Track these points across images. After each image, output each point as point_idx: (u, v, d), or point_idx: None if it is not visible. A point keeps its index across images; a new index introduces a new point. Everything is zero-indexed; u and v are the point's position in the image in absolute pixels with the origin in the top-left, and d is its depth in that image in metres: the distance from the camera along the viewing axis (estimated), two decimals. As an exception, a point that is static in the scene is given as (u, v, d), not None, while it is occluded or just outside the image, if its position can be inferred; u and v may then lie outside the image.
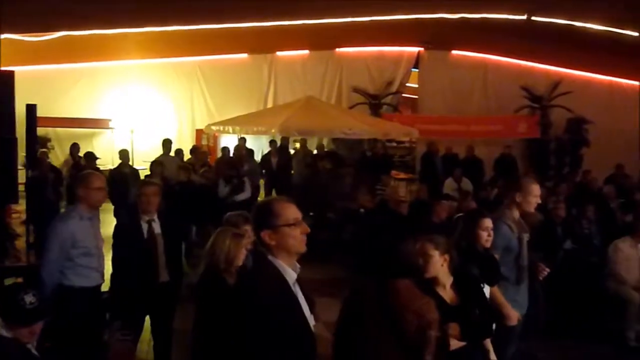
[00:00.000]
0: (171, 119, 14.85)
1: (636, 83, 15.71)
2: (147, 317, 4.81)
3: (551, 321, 5.42)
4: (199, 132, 14.09)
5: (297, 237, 2.49)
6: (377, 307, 2.84)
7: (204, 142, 14.00)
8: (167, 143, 11.11)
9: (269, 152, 12.64)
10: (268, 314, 2.35)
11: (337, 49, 14.99)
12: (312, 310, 2.69)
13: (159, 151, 11.27)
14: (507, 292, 4.16)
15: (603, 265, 6.75)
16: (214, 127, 12.02)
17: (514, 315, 4.10)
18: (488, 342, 3.70)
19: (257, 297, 2.40)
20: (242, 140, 12.39)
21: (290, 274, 2.51)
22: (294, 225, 2.49)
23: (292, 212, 2.51)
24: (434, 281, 3.42)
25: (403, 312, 2.84)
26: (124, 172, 9.56)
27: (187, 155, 11.68)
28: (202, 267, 3.72)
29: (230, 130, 11.52)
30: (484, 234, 3.94)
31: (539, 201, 4.32)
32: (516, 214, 4.33)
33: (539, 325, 5.18)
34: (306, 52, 15.02)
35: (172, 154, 11.18)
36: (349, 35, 13.98)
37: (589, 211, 7.99)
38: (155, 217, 4.63)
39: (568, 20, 11.77)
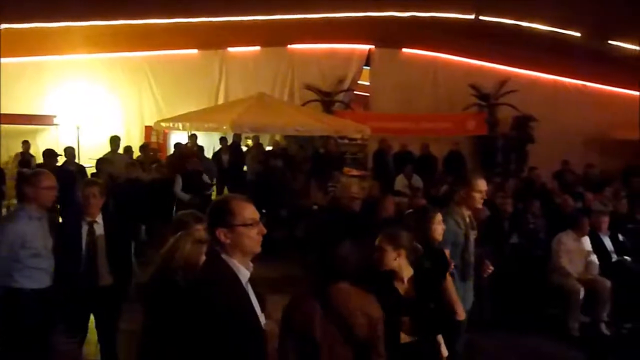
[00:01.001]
0: (119, 116, 14.46)
1: (579, 82, 16.28)
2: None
3: (498, 313, 5.56)
4: (148, 129, 13.80)
5: (253, 238, 2.48)
6: (322, 311, 2.86)
7: (154, 139, 13.73)
8: (115, 140, 10.85)
9: (220, 149, 12.51)
10: (220, 313, 2.33)
11: (289, 46, 14.93)
12: (263, 309, 2.68)
13: (106, 148, 10.99)
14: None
15: (548, 259, 6.97)
16: (163, 124, 11.80)
17: (462, 311, 4.20)
18: (439, 336, 3.76)
19: (210, 295, 2.37)
20: (193, 137, 12.22)
21: (244, 273, 2.49)
22: (251, 225, 2.47)
23: (249, 211, 2.50)
24: (393, 275, 3.45)
25: (351, 314, 2.87)
26: (69, 170, 9.27)
27: (136, 153, 11.44)
28: (153, 268, 3.62)
29: (181, 126, 11.32)
30: (438, 228, 4.00)
31: (485, 197, 4.41)
32: (464, 210, 4.42)
33: (485, 317, 5.31)
34: (258, 48, 14.90)
35: (120, 151, 10.93)
36: (300, 32, 13.96)
37: (534, 206, 8.25)
38: (98, 218, 4.50)
39: (514, 20, 12.09)
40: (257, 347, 2.48)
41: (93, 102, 14.09)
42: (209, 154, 12.78)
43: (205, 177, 9.85)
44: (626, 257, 7.20)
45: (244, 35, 13.84)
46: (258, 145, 13.08)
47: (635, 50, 13.14)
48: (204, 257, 3.54)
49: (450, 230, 4.23)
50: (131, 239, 5.69)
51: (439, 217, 4.04)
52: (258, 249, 2.52)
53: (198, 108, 12.73)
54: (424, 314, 3.39)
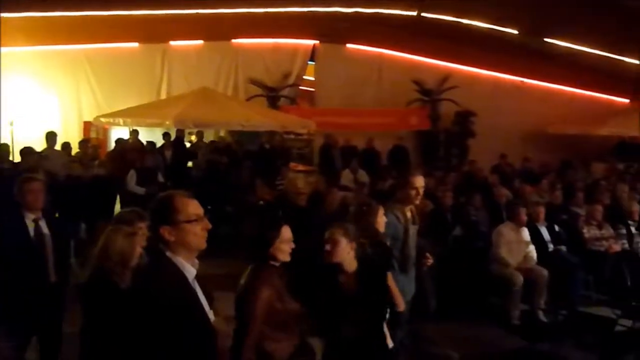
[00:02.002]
0: (55, 111, 13.94)
1: (517, 78, 16.82)
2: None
3: (441, 304, 5.69)
4: (87, 125, 13.36)
5: (198, 234, 2.45)
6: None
7: (93, 135, 13.30)
8: (51, 136, 10.45)
9: (163, 145, 12.26)
10: (168, 312, 2.29)
11: (233, 40, 14.77)
12: (211, 306, 2.65)
13: (42, 145, 10.58)
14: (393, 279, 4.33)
15: (489, 250, 7.18)
16: (103, 119, 11.47)
17: (402, 302, 4.29)
18: (385, 328, 3.82)
19: (156, 295, 2.32)
20: (135, 133, 11.93)
21: (190, 270, 2.46)
22: (195, 221, 2.43)
23: (193, 207, 2.46)
24: (339, 268, 3.46)
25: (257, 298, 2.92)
26: (4, 168, 8.88)
27: (75, 149, 11.06)
28: (91, 267, 3.52)
29: (121, 122, 11.04)
30: (381, 221, 4.06)
31: (420, 193, 4.50)
32: (405, 205, 4.50)
33: (428, 309, 5.43)
34: (201, 42, 14.67)
35: (57, 147, 10.55)
36: (244, 26, 13.84)
37: (475, 199, 8.47)
38: (41, 214, 4.35)
39: (455, 17, 12.37)
40: (206, 345, 2.46)
41: (28, 97, 13.53)
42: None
43: (160, 176, 9.70)
44: (561, 247, 7.51)
45: (186, 28, 13.61)
46: (203, 142, 12.90)
47: (570, 47, 13.71)
48: (139, 250, 3.49)
49: (391, 224, 4.31)
50: (70, 237, 5.52)
51: (381, 210, 4.10)
52: (203, 245, 2.49)
53: (139, 103, 12.44)
54: (368, 308, 3.40)
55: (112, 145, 12.07)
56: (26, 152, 8.67)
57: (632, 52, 13.65)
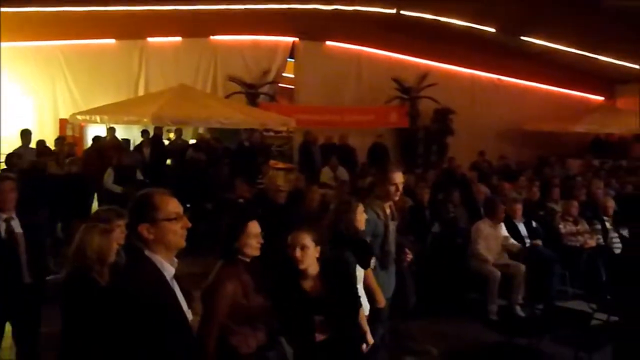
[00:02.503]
0: (30, 108, 13.71)
1: (494, 76, 16.99)
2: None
3: (420, 300, 5.72)
4: (63, 122, 13.13)
5: (177, 232, 2.43)
6: None
7: (69, 133, 13.08)
8: (25, 134, 10.29)
9: (141, 143, 12.14)
10: (146, 312, 2.26)
11: (212, 37, 14.66)
12: (190, 305, 2.63)
13: (17, 143, 10.41)
14: (374, 275, 4.34)
15: (467, 246, 7.24)
16: (79, 117, 11.31)
17: (382, 298, 4.31)
18: (365, 324, 3.83)
19: (134, 294, 2.29)
20: (112, 130, 11.79)
21: (168, 269, 2.43)
22: (175, 219, 2.41)
23: (173, 205, 2.44)
24: (303, 273, 3.42)
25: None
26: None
27: (51, 147, 10.89)
28: (68, 266, 3.47)
29: (98, 119, 10.90)
30: (361, 219, 4.06)
31: (400, 189, 4.52)
32: (384, 202, 4.52)
33: (408, 305, 5.46)
34: (179, 39, 14.53)
35: (32, 145, 10.38)
36: (223, 23, 13.74)
37: (454, 196, 8.54)
38: (14, 214, 4.27)
39: (433, 15, 12.44)
40: (184, 344, 2.43)
41: (2, 94, 13.28)
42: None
43: (139, 174, 9.60)
44: (538, 242, 7.61)
45: (164, 25, 13.47)
46: (182, 139, 12.80)
47: (546, 46, 13.88)
48: (115, 247, 3.46)
49: (371, 221, 4.32)
50: (46, 236, 5.43)
51: (361, 207, 4.10)
52: (182, 244, 2.47)
53: (116, 100, 12.29)
54: (336, 310, 3.37)
55: (89, 143, 11.91)
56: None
57: (606, 50, 13.87)
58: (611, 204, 8.00)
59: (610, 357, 5.48)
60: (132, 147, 12.54)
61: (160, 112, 10.43)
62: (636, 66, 14.54)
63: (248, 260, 3.20)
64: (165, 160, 11.96)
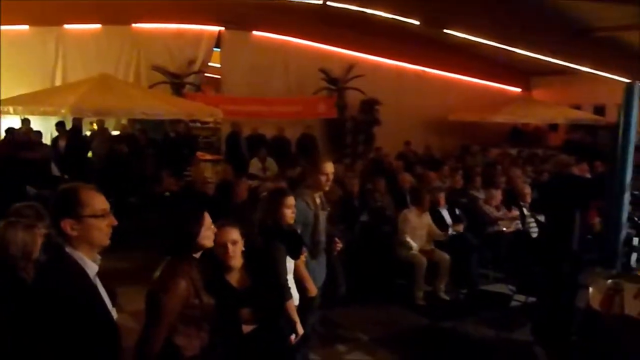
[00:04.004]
0: None
1: (419, 68, 17.40)
2: None
3: (350, 288, 5.81)
4: (-27, 113, 12.36)
5: (102, 230, 2.35)
6: None
7: (-20, 125, 12.34)
8: None
9: (57, 136, 11.61)
10: (68, 310, 2.18)
11: (134, 25, 14.14)
12: (114, 303, 2.55)
13: None
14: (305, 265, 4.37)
15: (394, 234, 7.41)
16: (-9, 107, 10.65)
17: (313, 288, 4.34)
18: (295, 314, 3.84)
19: (57, 293, 2.21)
20: (26, 122, 11.19)
21: (91, 267, 2.35)
22: (101, 216, 2.34)
23: (100, 202, 2.37)
24: (225, 266, 3.39)
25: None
26: None
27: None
28: None
29: (11, 110, 10.30)
30: (288, 212, 4.05)
31: (330, 179, 4.56)
32: (314, 191, 4.54)
33: (338, 294, 5.53)
34: (99, 26, 13.93)
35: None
36: (144, 10, 13.31)
37: (381, 185, 8.70)
38: None
39: (359, 7, 12.54)
40: (109, 342, 2.37)
41: None
42: (45, 140, 11.81)
43: (55, 169, 9.13)
44: (461, 229, 7.88)
45: (82, 11, 12.87)
46: (104, 130, 12.33)
47: (467, 39, 14.33)
48: (40, 242, 3.29)
49: (301, 211, 4.33)
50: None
51: (289, 200, 4.09)
52: (107, 242, 2.40)
53: (31, 90, 11.65)
54: (262, 302, 3.36)
55: (2, 135, 11.25)
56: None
57: (523, 44, 14.49)
58: (528, 191, 8.38)
59: (529, 335, 5.79)
60: (49, 140, 11.96)
61: (80, 103, 9.99)
62: (550, 59, 15.28)
63: (197, 255, 3.11)
64: (86, 154, 11.49)
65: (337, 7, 12.62)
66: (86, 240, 2.32)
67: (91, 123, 12.68)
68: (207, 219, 3.08)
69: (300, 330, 3.80)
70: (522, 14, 11.88)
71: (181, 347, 2.92)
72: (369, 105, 15.46)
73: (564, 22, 12.74)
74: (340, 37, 15.20)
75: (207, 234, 3.05)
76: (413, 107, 16.54)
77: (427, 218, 7.41)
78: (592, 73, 15.59)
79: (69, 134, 11.49)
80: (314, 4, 12.63)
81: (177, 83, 13.82)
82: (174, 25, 14.38)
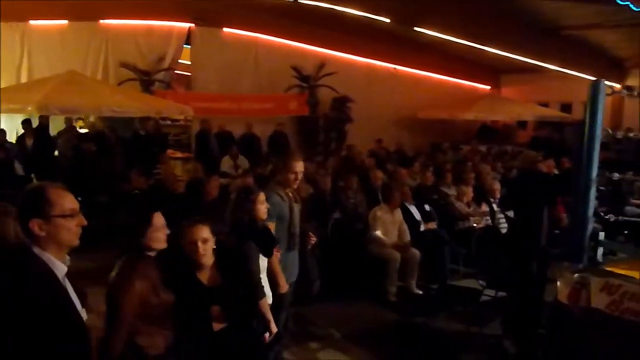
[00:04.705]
0: None
1: (390, 65, 17.50)
2: None
3: (324, 285, 5.81)
4: None
5: (71, 230, 2.30)
6: None
7: (-58, 123, 11.98)
8: None
9: (23, 134, 11.34)
10: (37, 312, 2.13)
11: (102, 21, 13.90)
12: (84, 303, 2.51)
13: None
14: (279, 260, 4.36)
15: (366, 231, 7.43)
16: (-47, 105, 10.35)
17: (285, 285, 4.33)
18: (268, 313, 3.82)
19: (24, 294, 2.15)
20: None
21: (60, 267, 2.30)
22: (70, 216, 2.29)
23: (69, 201, 2.31)
24: (195, 264, 3.36)
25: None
26: None
27: None
28: None
29: (-25, 108, 10.03)
30: (262, 207, 4.04)
31: (299, 177, 4.57)
32: (285, 187, 4.54)
33: (311, 291, 5.53)
34: (65, 22, 13.65)
35: None
36: (113, 6, 13.09)
37: (353, 182, 8.71)
38: None
39: (330, 4, 12.54)
40: (79, 343, 2.32)
41: None
42: (10, 139, 11.53)
43: (19, 168, 8.91)
44: (433, 225, 7.96)
45: (48, 7, 12.61)
46: (71, 128, 12.09)
47: (438, 37, 14.47)
48: (15, 227, 3.20)
49: (275, 204, 4.33)
50: None
51: (262, 196, 4.07)
52: (76, 242, 2.35)
53: (-5, 87, 11.37)
54: (233, 300, 3.35)
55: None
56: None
57: (492, 42, 14.70)
58: (497, 187, 8.50)
59: (499, 329, 5.88)
60: (15, 139, 11.68)
61: (46, 100, 9.79)
62: (518, 57, 15.52)
63: (154, 254, 3.08)
64: (53, 152, 11.25)
65: (309, 4, 12.60)
66: (55, 240, 2.27)
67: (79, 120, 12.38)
68: (157, 220, 3.06)
69: (274, 328, 3.80)
70: (492, 13, 12.05)
71: (144, 346, 2.90)
72: (341, 103, 15.49)
73: (533, 21, 12.99)
74: (311, 34, 15.20)
75: (156, 236, 3.03)
76: (384, 104, 16.64)
77: (398, 214, 7.46)
78: (559, 71, 15.90)
79: (36, 132, 11.24)
80: (285, 1, 12.59)
81: (146, 80, 13.63)
82: (143, 22, 14.18)
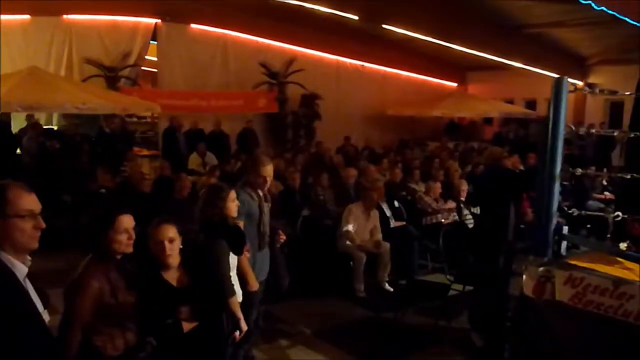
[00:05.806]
0: None
1: (358, 62, 17.56)
2: None
3: (293, 282, 5.81)
4: None
5: (25, 232, 2.21)
6: None
7: None
8: None
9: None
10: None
11: (65, 16, 13.59)
12: (46, 305, 2.45)
13: None
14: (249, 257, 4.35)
15: (336, 227, 7.45)
16: None
17: (255, 283, 4.32)
18: (238, 311, 3.80)
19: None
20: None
21: (20, 268, 2.24)
22: (24, 217, 2.21)
23: (27, 202, 2.23)
24: (162, 264, 3.32)
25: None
26: None
27: None
28: None
29: None
30: (233, 205, 4.01)
31: (269, 182, 4.57)
32: (255, 188, 4.53)
33: (281, 288, 5.53)
34: (27, 17, 13.30)
35: None
36: (76, 1, 12.84)
37: (322, 179, 8.73)
38: None
39: (299, 1, 12.51)
40: (40, 345, 2.26)
41: None
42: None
43: None
44: (402, 221, 8.03)
45: (10, 1, 12.26)
46: (34, 126, 11.79)
47: (405, 34, 14.57)
48: None
49: (244, 202, 4.32)
50: None
51: (232, 194, 4.04)
52: (34, 246, 2.27)
53: (-46, 83, 11.02)
54: (201, 299, 3.32)
55: None
56: None
57: (459, 39, 14.87)
58: (465, 187, 8.61)
59: (467, 322, 5.96)
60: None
61: (7, 97, 9.53)
62: (484, 54, 15.74)
63: (118, 257, 3.03)
64: (15, 150, 10.97)
65: (277, 1, 12.55)
66: (9, 241, 2.20)
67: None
68: (121, 223, 3.00)
69: (244, 326, 3.78)
70: (458, 11, 12.19)
71: (100, 346, 2.88)
72: (310, 100, 15.49)
73: (498, 19, 13.19)
74: (280, 30, 15.13)
75: (119, 238, 2.98)
76: (353, 101, 16.70)
77: (375, 215, 7.44)
78: (524, 68, 16.18)
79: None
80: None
81: (111, 76, 13.38)
82: (108, 17, 13.89)
